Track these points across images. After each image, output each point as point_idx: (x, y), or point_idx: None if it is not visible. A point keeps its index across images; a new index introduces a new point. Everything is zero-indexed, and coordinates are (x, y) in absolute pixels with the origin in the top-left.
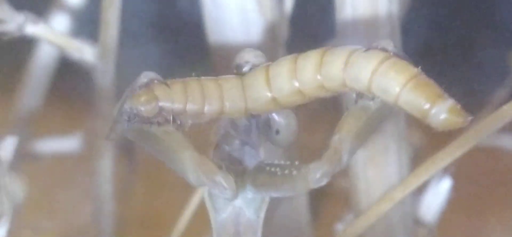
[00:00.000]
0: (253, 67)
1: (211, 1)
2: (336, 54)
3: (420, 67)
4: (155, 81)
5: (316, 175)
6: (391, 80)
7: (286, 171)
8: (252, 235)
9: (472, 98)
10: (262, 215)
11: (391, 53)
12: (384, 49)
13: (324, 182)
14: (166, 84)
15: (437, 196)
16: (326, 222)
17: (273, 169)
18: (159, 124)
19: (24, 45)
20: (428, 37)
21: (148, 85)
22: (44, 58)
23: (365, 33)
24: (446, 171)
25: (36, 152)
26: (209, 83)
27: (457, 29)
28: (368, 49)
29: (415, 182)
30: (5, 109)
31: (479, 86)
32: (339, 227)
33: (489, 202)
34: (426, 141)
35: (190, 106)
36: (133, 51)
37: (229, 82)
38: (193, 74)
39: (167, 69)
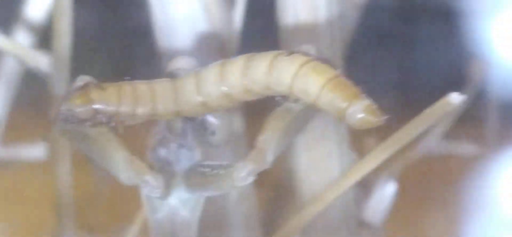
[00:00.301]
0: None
1: (160, 10)
2: (261, 59)
3: (339, 70)
4: (91, 84)
5: (241, 173)
6: (311, 82)
7: (215, 171)
8: (187, 233)
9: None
10: (198, 214)
11: (312, 57)
12: (305, 54)
13: (249, 181)
14: (101, 88)
15: (382, 199)
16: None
17: (204, 170)
18: (93, 125)
19: None
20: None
21: (83, 88)
22: (7, 70)
23: (307, 38)
24: (391, 175)
25: (2, 159)
26: (142, 86)
27: (414, 40)
28: (290, 53)
29: (352, 178)
30: None
31: (435, 95)
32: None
33: (433, 205)
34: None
35: (123, 109)
36: (86, 58)
37: (161, 86)
38: (128, 78)
39: (118, 75)
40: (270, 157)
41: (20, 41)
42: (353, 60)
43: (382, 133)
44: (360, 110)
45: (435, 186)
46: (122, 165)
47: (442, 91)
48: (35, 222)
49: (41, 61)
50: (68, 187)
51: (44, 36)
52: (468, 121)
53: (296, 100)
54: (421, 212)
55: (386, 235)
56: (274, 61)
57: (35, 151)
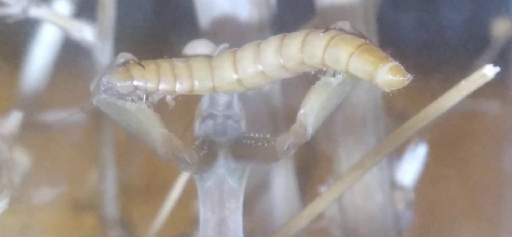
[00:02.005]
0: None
1: None
2: (294, 37)
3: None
4: (131, 61)
5: (284, 146)
6: (340, 51)
7: (259, 143)
8: (235, 201)
9: (454, 68)
10: (244, 182)
11: (345, 31)
12: (341, 29)
13: (291, 153)
14: (141, 65)
15: (413, 161)
16: (312, 185)
17: (249, 142)
18: (133, 101)
19: (28, 27)
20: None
21: (124, 64)
22: (47, 38)
23: (342, 13)
24: (422, 136)
25: (43, 124)
26: (180, 64)
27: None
28: (326, 29)
29: (390, 146)
30: (12, 87)
31: (461, 54)
32: (323, 189)
33: (465, 166)
34: (402, 112)
35: (163, 86)
36: (129, 32)
37: (199, 63)
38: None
39: (160, 51)
40: (310, 130)
41: (60, 11)
42: (382, 21)
43: (414, 95)
44: (387, 72)
45: (463, 145)
46: (159, 141)
47: (468, 51)
48: (77, 182)
49: (86, 31)
50: (110, 150)
51: (85, 6)
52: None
53: (334, 74)
54: (451, 172)
55: (417, 196)
56: (307, 37)
57: (75, 114)
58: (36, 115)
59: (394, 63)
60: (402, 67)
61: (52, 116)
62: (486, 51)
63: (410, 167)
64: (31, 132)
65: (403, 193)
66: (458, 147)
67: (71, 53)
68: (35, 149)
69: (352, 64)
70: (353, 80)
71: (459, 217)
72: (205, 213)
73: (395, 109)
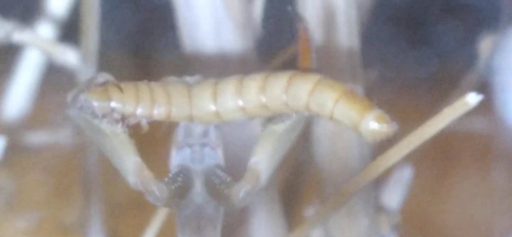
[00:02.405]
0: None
1: (184, 5)
2: (278, 77)
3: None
4: (110, 82)
5: (239, 195)
6: (326, 97)
7: (222, 186)
8: (212, 229)
9: (440, 85)
10: (221, 211)
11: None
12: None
13: (248, 201)
14: (120, 87)
15: (399, 184)
16: (297, 209)
17: (215, 180)
18: (109, 122)
19: (11, 51)
20: (394, 23)
21: (103, 85)
22: (31, 62)
23: (324, 29)
24: (407, 159)
25: (27, 146)
26: (158, 89)
27: (424, 14)
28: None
29: (376, 171)
30: None
31: (447, 72)
32: (308, 212)
33: (449, 184)
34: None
35: (140, 110)
36: (112, 55)
37: (178, 90)
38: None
39: (144, 71)
40: (264, 176)
41: (44, 35)
42: (369, 39)
43: (399, 116)
44: (372, 120)
45: (450, 167)
46: (131, 170)
47: (454, 67)
48: (62, 203)
49: (69, 55)
50: (94, 166)
51: (68, 30)
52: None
53: (278, 122)
54: (437, 196)
55: (403, 219)
56: (292, 79)
57: (60, 136)
58: (20, 139)
59: (379, 111)
60: (387, 116)
61: (36, 137)
62: (472, 68)
63: (396, 189)
64: (15, 155)
65: (388, 216)
66: (444, 166)
67: (55, 76)
68: (19, 172)
69: (337, 111)
70: (300, 124)
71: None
72: None
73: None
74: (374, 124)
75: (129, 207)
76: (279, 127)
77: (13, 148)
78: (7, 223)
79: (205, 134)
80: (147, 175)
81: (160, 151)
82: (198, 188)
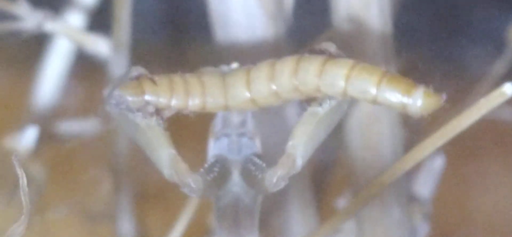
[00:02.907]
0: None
1: (217, 2)
2: (311, 61)
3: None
4: (144, 76)
5: (272, 180)
6: (366, 82)
7: (257, 173)
8: (250, 220)
9: (469, 73)
10: (259, 201)
11: (335, 54)
12: (326, 50)
13: (281, 186)
14: (153, 80)
15: (431, 172)
16: (328, 199)
17: (252, 167)
18: (143, 116)
19: (43, 41)
20: (423, 11)
21: (137, 79)
22: (62, 52)
23: (358, 24)
24: (440, 148)
25: (58, 136)
26: (192, 80)
27: (454, 1)
28: (310, 50)
29: (409, 163)
30: (27, 102)
31: (476, 60)
32: (340, 202)
33: (482, 175)
34: (419, 124)
35: (175, 102)
36: (144, 46)
37: (212, 80)
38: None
39: (175, 61)
40: (299, 162)
41: (75, 24)
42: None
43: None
44: (420, 97)
45: (480, 155)
46: (165, 162)
47: (484, 56)
48: (91, 193)
49: (100, 45)
50: (125, 158)
51: (100, 19)
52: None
53: (321, 104)
54: (468, 184)
55: (435, 209)
56: (325, 65)
57: (90, 125)
58: (51, 129)
59: (424, 87)
60: (432, 90)
61: (67, 127)
62: (502, 56)
63: (428, 179)
64: (46, 145)
65: (420, 206)
66: (476, 155)
67: (86, 65)
68: (50, 162)
69: (381, 94)
70: (343, 108)
71: (478, 225)
72: (221, 232)
73: (412, 122)
74: (423, 100)
75: (158, 197)
76: (323, 108)
77: (44, 138)
78: (38, 214)
79: (243, 123)
80: (182, 167)
81: (198, 143)
82: (235, 178)
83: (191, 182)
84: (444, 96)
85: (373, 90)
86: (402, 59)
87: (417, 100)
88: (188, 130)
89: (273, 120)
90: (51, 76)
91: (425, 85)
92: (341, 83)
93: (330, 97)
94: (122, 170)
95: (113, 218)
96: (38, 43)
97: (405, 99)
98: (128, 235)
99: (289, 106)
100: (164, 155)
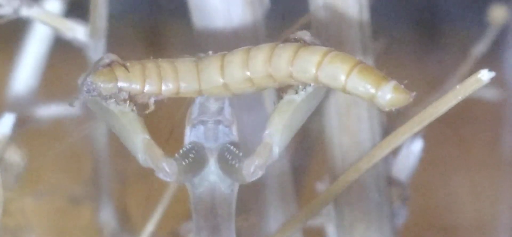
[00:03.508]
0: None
1: None
2: (285, 48)
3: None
4: (116, 62)
5: (250, 169)
6: (337, 69)
7: (233, 162)
8: (227, 207)
9: (450, 53)
10: (236, 189)
11: (310, 43)
12: (300, 39)
13: (259, 175)
14: (125, 66)
15: (409, 156)
16: (307, 183)
17: (228, 156)
18: (117, 102)
19: (19, 27)
20: None
21: (109, 65)
22: (39, 38)
23: (335, 10)
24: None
25: (36, 121)
26: (166, 65)
27: None
28: (285, 39)
29: (387, 147)
30: (4, 88)
31: (458, 40)
32: (319, 185)
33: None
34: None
35: (148, 88)
36: (122, 31)
37: (185, 65)
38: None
39: (153, 46)
40: (276, 150)
41: (52, 10)
42: (377, 9)
43: (409, 86)
44: (389, 91)
45: (459, 138)
46: (140, 147)
47: (464, 37)
48: (72, 177)
49: (78, 30)
50: (104, 139)
51: (77, 5)
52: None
53: (297, 91)
54: (446, 167)
55: (413, 192)
56: (299, 51)
57: (68, 110)
58: (29, 114)
59: (395, 82)
60: (403, 86)
61: (45, 112)
62: (482, 38)
63: (406, 162)
64: (24, 130)
65: (399, 189)
66: (456, 132)
67: (64, 51)
68: (29, 147)
69: (350, 83)
70: (319, 95)
71: (457, 200)
72: (198, 220)
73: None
74: (392, 95)
75: (139, 179)
76: (299, 95)
77: (22, 124)
78: (17, 199)
79: (220, 111)
80: (156, 152)
81: (174, 130)
82: (212, 166)
83: (166, 166)
84: (413, 94)
85: (342, 78)
86: (380, 43)
87: (386, 94)
88: (164, 118)
89: (251, 108)
90: (29, 62)
91: (398, 80)
92: (312, 69)
93: (304, 84)
94: (102, 153)
95: (94, 200)
96: (16, 29)
97: (374, 91)
98: (109, 218)
99: (267, 94)
100: (138, 140)
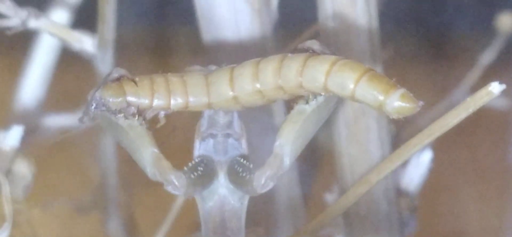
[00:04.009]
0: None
1: (204, 1)
2: (294, 59)
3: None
4: (124, 77)
5: (261, 181)
6: (345, 77)
7: (244, 174)
8: (236, 221)
9: (459, 61)
10: (246, 202)
11: (319, 52)
12: (310, 48)
13: (270, 186)
14: (134, 81)
15: (419, 167)
16: (316, 193)
17: (238, 169)
18: (125, 116)
19: (27, 39)
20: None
21: (117, 80)
22: (46, 49)
23: (344, 19)
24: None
25: (45, 131)
26: (174, 79)
27: None
28: (295, 49)
29: (397, 159)
30: (11, 100)
31: (466, 48)
32: (328, 197)
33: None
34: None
35: (157, 102)
36: (130, 40)
37: (194, 79)
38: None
39: (161, 57)
40: (287, 161)
41: (59, 21)
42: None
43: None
44: (397, 99)
45: (470, 139)
46: (148, 161)
47: (473, 45)
48: (80, 186)
49: (85, 42)
50: (111, 149)
51: (84, 16)
52: (498, 73)
53: (308, 101)
54: (457, 178)
55: (423, 203)
56: (308, 61)
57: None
58: (37, 125)
59: (403, 90)
60: (411, 94)
61: (54, 122)
62: (490, 46)
63: (415, 173)
64: (32, 142)
65: (408, 200)
66: (463, 141)
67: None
68: (38, 158)
69: (359, 91)
70: (330, 105)
71: (465, 208)
72: (207, 234)
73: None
74: (400, 103)
75: (147, 188)
76: (310, 106)
77: (30, 135)
78: (26, 211)
79: (229, 124)
80: (165, 165)
81: (184, 144)
82: (221, 179)
83: (174, 179)
84: (421, 103)
85: (351, 86)
86: (390, 51)
87: (394, 102)
88: (175, 132)
89: (259, 120)
90: (37, 73)
91: (407, 89)
92: (322, 78)
93: (314, 94)
94: (110, 162)
95: (101, 210)
96: (23, 40)
97: (382, 99)
98: (117, 228)
99: (276, 107)
100: (147, 154)
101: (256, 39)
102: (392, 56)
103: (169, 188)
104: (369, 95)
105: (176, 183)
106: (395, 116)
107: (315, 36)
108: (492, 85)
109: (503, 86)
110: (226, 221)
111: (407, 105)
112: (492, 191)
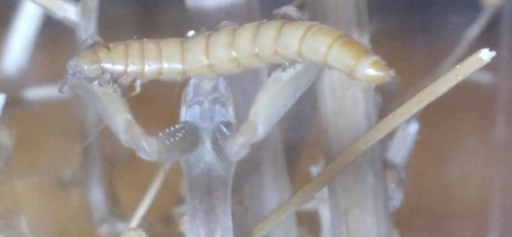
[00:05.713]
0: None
1: None
2: (269, 26)
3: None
4: (99, 43)
5: (233, 148)
6: (319, 42)
7: (221, 142)
8: (223, 189)
9: (444, 37)
10: (232, 169)
11: (296, 18)
12: (286, 15)
13: (243, 154)
14: (108, 47)
15: (405, 139)
16: (302, 166)
17: (218, 136)
18: (101, 83)
19: (9, 7)
20: None
21: (92, 47)
22: (28, 17)
23: None
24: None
25: (25, 102)
26: (150, 45)
27: None
28: (274, 15)
29: (384, 129)
30: None
31: (450, 25)
32: (313, 170)
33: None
34: (393, 89)
35: (131, 68)
36: (113, 9)
37: (169, 45)
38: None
39: (144, 26)
40: (261, 129)
41: None
42: None
43: (403, 69)
44: (368, 66)
45: (454, 120)
46: (121, 127)
47: (458, 20)
48: (61, 159)
49: (69, 10)
50: (93, 122)
51: None
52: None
53: (285, 69)
54: (441, 150)
55: (409, 175)
56: (283, 27)
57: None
58: (18, 95)
59: (376, 57)
60: (384, 62)
61: (35, 93)
62: (476, 21)
63: (401, 145)
64: (13, 111)
65: (394, 173)
66: (447, 117)
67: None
68: (18, 128)
69: (331, 56)
70: (310, 74)
71: (449, 185)
72: (193, 202)
73: (386, 86)
74: (371, 70)
75: (128, 162)
76: (287, 73)
77: (12, 104)
78: (7, 182)
79: (214, 88)
80: (137, 130)
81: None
82: (208, 146)
83: (145, 144)
84: (392, 73)
85: (324, 50)
86: (375, 26)
87: (365, 69)
88: (160, 100)
89: (248, 88)
90: (19, 42)
91: (381, 56)
92: (296, 43)
93: (291, 62)
94: (92, 135)
95: (83, 184)
96: (5, 8)
97: (352, 64)
98: (98, 202)
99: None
100: (120, 120)
101: (241, 7)
102: (377, 31)
103: (141, 154)
104: (340, 61)
105: (147, 148)
106: (365, 83)
107: (303, 6)
108: (482, 52)
109: (493, 53)
110: (212, 189)
111: (378, 73)
112: (476, 167)
